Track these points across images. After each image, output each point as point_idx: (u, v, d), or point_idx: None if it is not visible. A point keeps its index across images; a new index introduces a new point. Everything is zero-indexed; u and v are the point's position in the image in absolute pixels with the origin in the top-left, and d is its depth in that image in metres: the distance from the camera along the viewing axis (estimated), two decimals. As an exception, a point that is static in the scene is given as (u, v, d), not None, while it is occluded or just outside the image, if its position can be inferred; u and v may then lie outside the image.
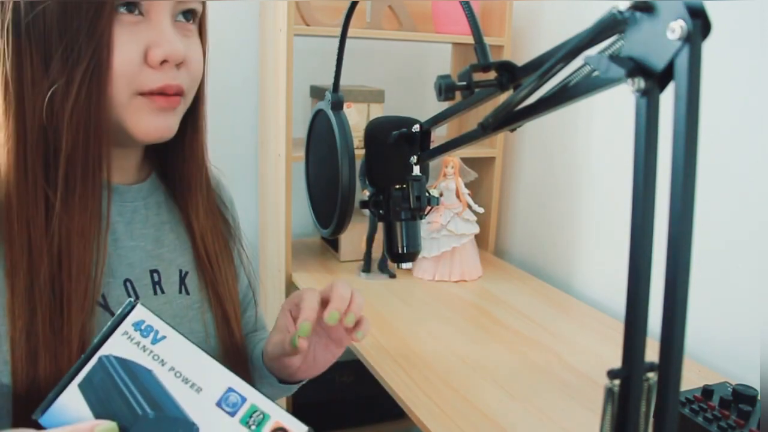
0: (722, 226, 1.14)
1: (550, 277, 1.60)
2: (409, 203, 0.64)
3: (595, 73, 0.37)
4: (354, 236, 1.58)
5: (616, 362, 0.32)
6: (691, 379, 1.06)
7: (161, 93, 0.60)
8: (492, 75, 0.48)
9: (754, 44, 1.07)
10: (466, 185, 1.57)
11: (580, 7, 1.45)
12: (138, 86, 0.59)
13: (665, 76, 0.31)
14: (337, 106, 0.65)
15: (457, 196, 1.52)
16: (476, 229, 1.54)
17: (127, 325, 0.49)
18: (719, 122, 1.12)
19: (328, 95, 0.66)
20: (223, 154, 0.75)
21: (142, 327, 0.48)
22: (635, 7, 0.32)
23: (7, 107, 0.57)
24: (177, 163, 0.71)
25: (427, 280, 1.50)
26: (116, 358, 0.47)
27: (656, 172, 0.31)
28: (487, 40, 0.51)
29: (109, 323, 0.49)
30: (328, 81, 0.67)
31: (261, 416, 0.45)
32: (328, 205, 0.66)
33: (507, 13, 1.59)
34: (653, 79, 0.31)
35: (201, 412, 0.46)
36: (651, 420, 0.32)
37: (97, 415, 0.46)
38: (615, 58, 0.33)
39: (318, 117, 0.69)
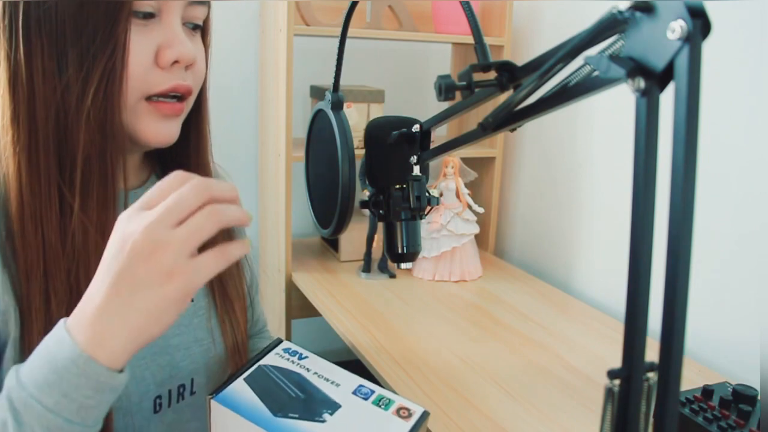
0: (722, 226, 1.14)
1: (550, 277, 1.60)
2: (409, 203, 0.64)
3: (595, 73, 0.37)
4: (354, 236, 1.58)
5: (616, 362, 0.32)
6: (691, 379, 1.06)
7: (172, 95, 0.60)
8: (492, 75, 0.48)
9: (754, 44, 1.07)
10: (466, 185, 1.57)
11: (580, 7, 1.45)
12: (147, 88, 0.58)
13: (665, 76, 0.31)
14: (337, 106, 0.65)
15: (457, 196, 1.52)
16: (476, 229, 1.54)
17: (278, 349, 0.63)
18: (719, 122, 1.12)
19: (328, 95, 0.65)
20: (223, 154, 0.75)
21: (290, 351, 0.63)
22: (635, 7, 0.32)
23: (17, 105, 0.56)
24: (179, 165, 0.68)
25: (427, 280, 1.50)
26: (272, 365, 0.60)
27: (656, 172, 0.31)
28: (487, 40, 0.51)
29: (258, 351, 0.62)
30: (328, 81, 0.67)
31: (387, 401, 0.58)
32: (328, 205, 0.66)
33: (507, 13, 1.59)
34: (653, 79, 0.31)
35: (342, 397, 0.58)
36: (651, 420, 0.32)
37: (261, 398, 0.55)
38: (615, 58, 0.33)
39: (318, 117, 0.69)
